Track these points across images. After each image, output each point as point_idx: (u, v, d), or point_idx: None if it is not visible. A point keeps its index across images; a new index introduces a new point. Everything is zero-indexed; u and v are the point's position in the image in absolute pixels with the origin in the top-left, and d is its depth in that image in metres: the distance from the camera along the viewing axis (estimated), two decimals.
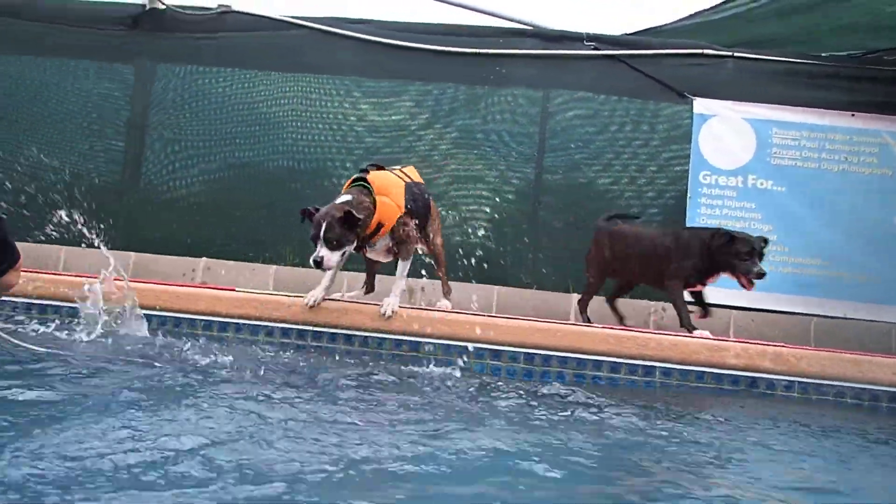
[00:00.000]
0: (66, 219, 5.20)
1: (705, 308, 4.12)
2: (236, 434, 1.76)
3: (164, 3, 5.42)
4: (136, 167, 5.41)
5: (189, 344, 3.15)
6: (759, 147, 5.03)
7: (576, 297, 4.85)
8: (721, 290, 4.71)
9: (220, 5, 5.48)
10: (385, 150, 5.19)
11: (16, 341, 2.49)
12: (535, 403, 2.58)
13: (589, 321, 4.20)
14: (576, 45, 5.27)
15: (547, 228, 5.15)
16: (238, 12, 5.46)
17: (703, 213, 4.97)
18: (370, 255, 3.48)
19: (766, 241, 3.95)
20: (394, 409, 2.28)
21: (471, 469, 1.65)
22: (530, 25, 5.41)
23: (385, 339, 3.30)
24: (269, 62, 5.40)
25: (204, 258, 5.09)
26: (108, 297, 3.14)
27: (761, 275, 3.79)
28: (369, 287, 3.94)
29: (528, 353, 3.21)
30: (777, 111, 5.06)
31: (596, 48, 5.24)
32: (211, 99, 5.41)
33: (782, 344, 3.34)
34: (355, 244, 3.22)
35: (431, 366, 3.16)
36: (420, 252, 3.79)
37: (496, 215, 5.17)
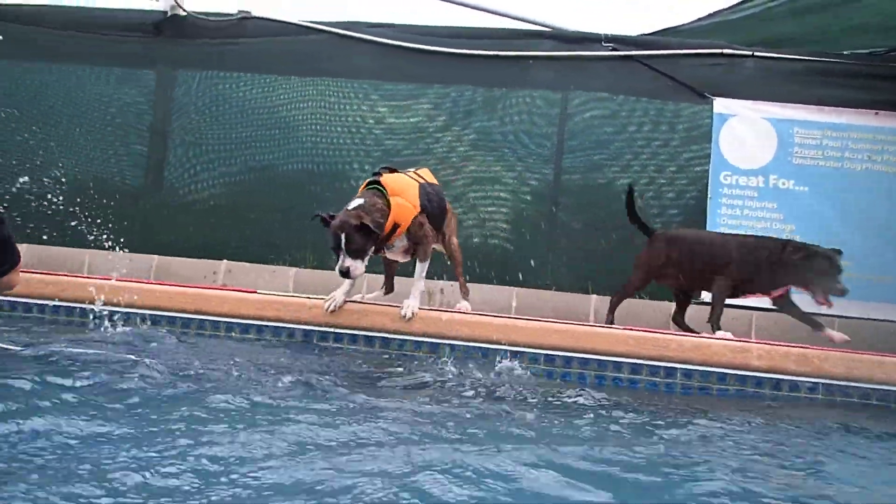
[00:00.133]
0: (90, 223, 5.31)
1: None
2: (254, 436, 1.78)
3: (184, 10, 5.49)
4: (159, 172, 5.48)
5: (210, 345, 3.20)
6: (780, 147, 4.99)
7: (595, 298, 4.85)
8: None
9: (239, 11, 5.54)
10: (404, 153, 5.21)
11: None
12: (556, 406, 2.58)
13: (612, 322, 4.16)
14: (594, 46, 5.25)
15: (566, 229, 5.14)
16: (258, 18, 5.52)
17: (724, 214, 4.93)
18: (389, 255, 3.51)
19: (840, 252, 3.79)
20: (414, 410, 2.29)
21: (491, 472, 1.66)
22: (548, 27, 5.41)
23: (406, 340, 3.32)
24: (289, 67, 5.46)
25: (225, 261, 5.15)
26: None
27: (844, 291, 3.63)
28: (388, 288, 3.96)
29: (549, 355, 3.21)
30: (798, 110, 5.01)
31: (614, 49, 5.22)
32: (232, 103, 5.48)
33: (806, 345, 3.30)
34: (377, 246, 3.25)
35: (452, 367, 3.17)
36: (437, 249, 3.79)
37: (515, 217, 5.17)
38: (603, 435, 2.20)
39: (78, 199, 5.39)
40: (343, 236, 3.08)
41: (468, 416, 2.29)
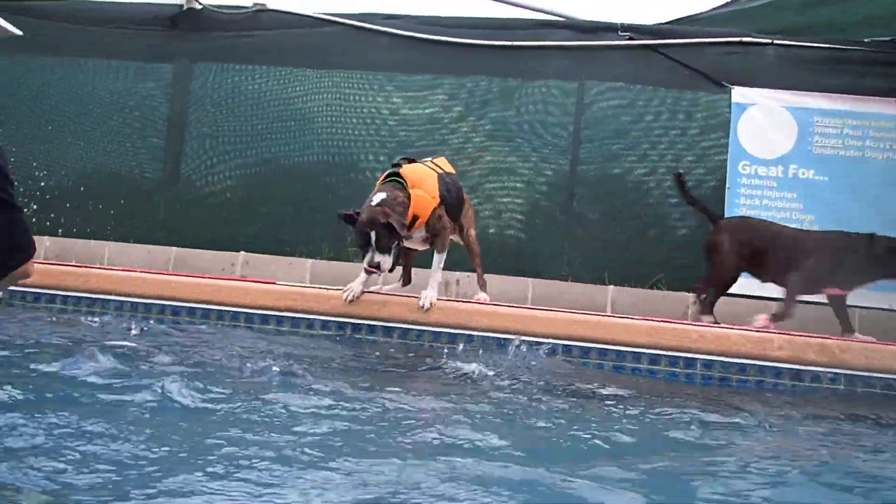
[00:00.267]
0: (110, 216, 5.37)
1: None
2: (271, 425, 1.80)
3: (200, 3, 5.52)
4: (176, 164, 5.53)
5: (231, 336, 3.23)
6: (800, 136, 4.93)
7: (612, 288, 4.83)
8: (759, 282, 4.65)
9: (255, 4, 5.55)
10: (419, 144, 5.21)
11: None
12: (574, 396, 2.59)
13: (715, 322, 3.97)
14: (610, 35, 5.21)
15: (582, 220, 5.12)
16: (273, 10, 5.53)
17: (743, 204, 4.89)
18: (407, 244, 3.52)
19: None
20: (432, 401, 2.31)
21: (509, 462, 1.66)
22: (564, 17, 5.38)
23: (424, 331, 3.33)
24: (304, 59, 5.47)
25: (242, 252, 5.19)
26: None
27: None
28: (406, 279, 3.97)
29: (567, 346, 3.21)
30: (818, 99, 4.95)
31: (631, 38, 5.18)
32: (247, 96, 5.50)
33: (827, 336, 3.28)
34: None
35: (470, 358, 3.17)
36: (455, 241, 3.80)
37: (530, 207, 5.17)
38: (619, 424, 2.20)
39: (97, 192, 5.47)
40: (373, 234, 3.09)
41: (486, 406, 2.30)
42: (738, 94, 5.01)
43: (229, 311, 3.45)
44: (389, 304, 3.42)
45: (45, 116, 5.57)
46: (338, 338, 3.37)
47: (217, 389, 2.10)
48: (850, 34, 5.07)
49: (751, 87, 5.01)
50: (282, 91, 5.51)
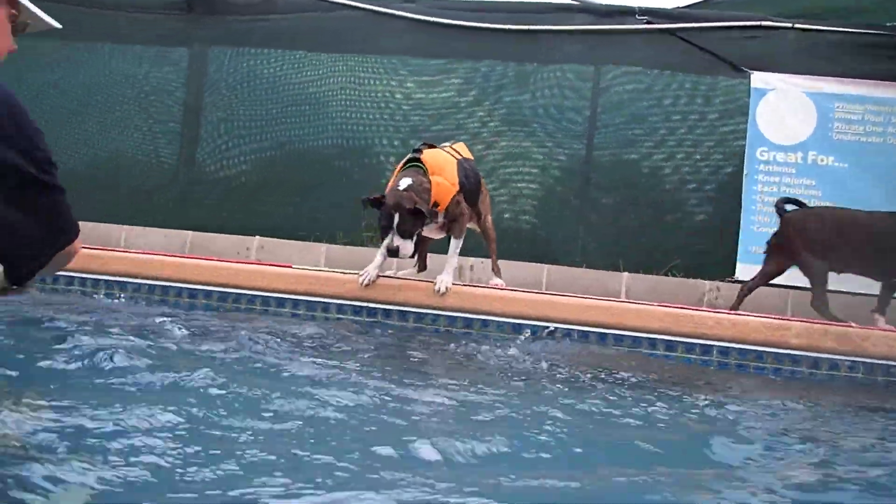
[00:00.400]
0: (126, 199, 5.41)
1: None
2: (291, 404, 1.81)
3: None
4: (192, 149, 5.54)
5: (247, 319, 3.25)
6: (819, 122, 4.86)
7: (626, 275, 4.81)
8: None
9: None
10: (434, 129, 5.19)
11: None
12: (590, 382, 2.59)
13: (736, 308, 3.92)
14: (628, 19, 5.15)
15: (597, 206, 5.10)
16: None
17: (761, 191, 4.84)
18: (424, 232, 3.52)
19: None
20: (447, 385, 2.31)
21: (524, 448, 1.66)
22: (581, 1, 5.32)
23: (439, 315, 3.34)
24: (319, 43, 5.45)
25: (257, 237, 5.21)
26: None
27: None
28: (421, 266, 3.97)
29: (583, 331, 3.20)
30: (839, 84, 4.86)
31: (649, 22, 5.11)
32: (262, 80, 5.50)
33: (847, 324, 3.25)
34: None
35: (485, 343, 3.18)
36: (471, 228, 3.80)
37: (546, 193, 5.14)
38: (633, 408, 2.20)
39: (113, 176, 5.51)
40: (397, 216, 3.10)
41: (501, 390, 2.31)
42: (758, 78, 4.93)
43: (245, 295, 3.47)
44: (404, 288, 3.42)
45: (61, 101, 5.60)
46: (353, 322, 3.39)
47: (231, 373, 2.11)
48: (872, 18, 4.98)
49: (770, 71, 4.94)
50: (296, 75, 5.50)
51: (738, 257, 4.75)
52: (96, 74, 5.63)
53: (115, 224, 5.21)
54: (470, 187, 3.50)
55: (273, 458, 1.37)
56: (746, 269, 4.72)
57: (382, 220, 3.19)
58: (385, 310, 3.41)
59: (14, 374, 1.87)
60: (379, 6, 5.36)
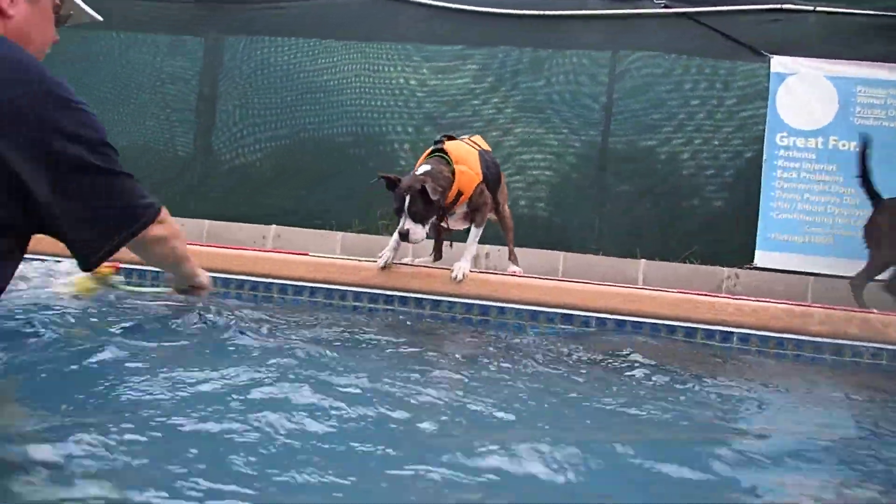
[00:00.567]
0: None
1: None
2: (304, 391, 1.80)
3: None
4: (208, 138, 5.57)
5: (266, 307, 3.26)
6: (841, 106, 4.78)
7: (643, 262, 4.78)
8: (799, 256, 4.57)
9: None
10: (449, 116, 5.18)
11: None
12: (609, 369, 2.57)
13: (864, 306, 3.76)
14: (645, 3, 5.09)
15: (614, 193, 5.06)
16: None
17: (780, 177, 4.78)
18: (450, 223, 3.51)
19: None
20: (464, 372, 2.30)
21: (544, 440, 1.66)
22: None
23: (456, 303, 3.33)
24: (333, 30, 5.44)
25: (274, 225, 5.23)
26: None
27: None
28: (437, 255, 3.96)
29: (600, 318, 3.18)
30: (862, 68, 4.78)
31: (666, 6, 5.05)
32: (277, 68, 5.50)
33: (869, 310, 3.21)
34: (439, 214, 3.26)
35: (502, 330, 3.18)
36: (489, 218, 3.79)
37: (561, 180, 5.12)
38: (651, 395, 2.19)
39: (130, 166, 5.52)
40: (408, 198, 3.08)
41: (523, 377, 2.30)
42: (778, 63, 4.86)
43: (263, 283, 3.48)
44: (421, 275, 3.42)
45: (76, 91, 5.61)
46: (370, 309, 3.39)
47: (248, 361, 2.12)
48: (894, 0, 4.88)
49: (790, 55, 4.86)
50: (311, 63, 5.50)
51: (757, 244, 4.70)
52: (112, 64, 5.65)
53: None
54: (490, 178, 3.50)
55: (289, 448, 1.38)
56: (765, 257, 4.68)
57: (395, 202, 3.17)
58: (402, 297, 3.41)
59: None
60: None
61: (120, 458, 1.18)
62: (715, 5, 5.00)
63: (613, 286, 3.34)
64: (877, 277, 3.99)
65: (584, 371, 2.49)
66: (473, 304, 3.33)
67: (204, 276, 2.36)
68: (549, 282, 3.37)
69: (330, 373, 2.04)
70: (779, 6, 4.93)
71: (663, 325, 3.11)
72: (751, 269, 4.60)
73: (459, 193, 3.30)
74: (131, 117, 5.61)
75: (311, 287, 3.47)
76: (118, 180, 1.68)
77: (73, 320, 2.16)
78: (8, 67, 1.58)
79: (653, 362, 2.70)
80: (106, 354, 1.84)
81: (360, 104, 5.39)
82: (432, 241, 3.83)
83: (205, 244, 4.32)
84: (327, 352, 2.35)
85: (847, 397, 2.51)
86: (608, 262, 4.82)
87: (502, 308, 3.30)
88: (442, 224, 3.51)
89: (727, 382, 2.49)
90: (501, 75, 5.22)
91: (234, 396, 1.62)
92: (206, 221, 5.28)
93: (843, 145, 4.77)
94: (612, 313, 3.17)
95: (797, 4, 4.89)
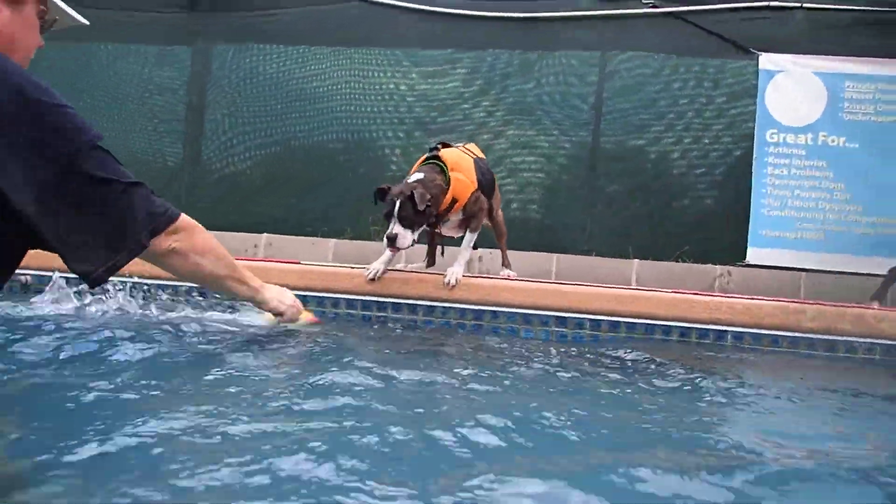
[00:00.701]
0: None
1: None
2: (301, 404, 1.79)
3: None
4: (197, 147, 5.54)
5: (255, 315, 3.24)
6: (829, 102, 4.80)
7: (636, 262, 4.78)
8: (791, 253, 4.58)
9: None
10: (440, 120, 5.17)
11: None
12: (606, 371, 2.56)
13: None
14: (633, 3, 5.10)
15: (605, 193, 5.06)
16: None
17: (770, 174, 4.79)
18: (443, 230, 3.50)
19: None
20: (459, 377, 2.29)
21: (537, 439, 1.64)
22: None
23: (449, 308, 3.31)
24: (321, 37, 5.43)
25: (265, 234, 5.21)
26: None
27: None
28: (430, 261, 3.95)
29: (595, 320, 3.17)
30: (849, 63, 4.80)
31: (654, 6, 5.06)
32: (265, 76, 5.49)
33: (862, 305, 3.21)
34: (429, 221, 3.24)
35: (496, 334, 3.16)
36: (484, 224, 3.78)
37: (553, 181, 5.11)
38: (648, 395, 2.18)
39: None
40: (398, 203, 3.05)
41: (515, 380, 2.28)
42: (766, 60, 4.88)
43: None
44: (412, 281, 3.40)
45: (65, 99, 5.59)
46: (363, 317, 3.37)
47: (236, 369, 2.10)
48: None
49: (778, 52, 4.89)
50: (299, 70, 5.48)
51: (749, 241, 4.72)
52: (99, 74, 5.62)
53: None
54: (485, 185, 3.49)
55: (286, 453, 1.36)
56: (757, 254, 4.69)
57: (385, 207, 3.14)
58: (395, 304, 3.39)
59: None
60: None
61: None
62: (702, 4, 5.01)
63: (605, 287, 3.33)
64: None
65: (580, 374, 2.47)
66: (467, 310, 3.31)
67: (273, 301, 2.28)
68: (542, 285, 3.36)
69: (322, 381, 2.02)
70: (766, 4, 4.95)
71: (658, 325, 3.10)
72: (743, 266, 4.60)
73: (454, 201, 3.28)
74: (120, 127, 5.58)
75: (303, 295, 3.45)
76: (111, 188, 1.56)
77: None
78: None
79: (648, 363, 2.69)
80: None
81: (350, 110, 5.38)
82: (426, 247, 3.82)
83: None
84: (320, 360, 2.34)
85: (841, 394, 2.51)
86: (601, 263, 4.82)
87: (496, 312, 3.28)
88: (436, 231, 3.50)
89: (724, 383, 2.48)
90: (491, 78, 5.22)
91: (219, 406, 1.60)
92: None
93: (833, 141, 4.79)
94: (606, 314, 3.16)
95: (784, 2, 4.91)
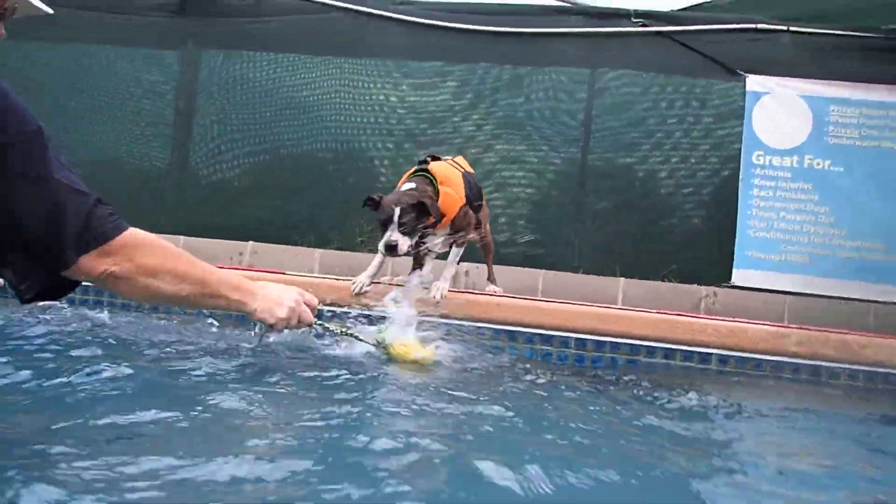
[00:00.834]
0: (117, 204, 5.33)
1: None
2: (281, 410, 1.76)
3: None
4: (184, 152, 5.49)
5: (237, 325, 3.19)
6: (815, 125, 4.85)
7: (623, 281, 4.78)
8: (776, 275, 4.60)
9: None
10: (429, 132, 5.16)
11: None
12: (590, 391, 2.55)
13: None
14: (623, 22, 5.13)
15: (593, 210, 5.07)
16: None
17: (757, 195, 4.82)
18: (428, 244, 3.46)
19: None
20: (437, 393, 2.26)
21: (513, 459, 1.62)
22: (576, 3, 5.30)
23: (435, 324, 3.28)
24: (312, 46, 5.41)
25: (250, 242, 5.16)
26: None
27: None
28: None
29: (580, 339, 3.16)
30: (835, 87, 4.86)
31: (644, 25, 5.10)
32: (255, 83, 5.45)
33: (846, 331, 3.23)
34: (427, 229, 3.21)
35: (480, 350, 3.13)
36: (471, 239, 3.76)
37: (541, 197, 5.11)
38: (629, 416, 2.16)
39: (104, 180, 5.44)
40: (398, 210, 2.99)
41: (498, 398, 2.26)
42: (753, 82, 4.92)
43: None
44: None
45: (52, 103, 5.53)
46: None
47: (219, 380, 2.06)
48: (867, 21, 4.98)
49: (766, 75, 4.93)
50: (290, 78, 5.45)
51: (735, 262, 4.74)
52: (86, 76, 5.56)
53: None
54: (473, 199, 3.47)
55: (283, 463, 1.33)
56: (743, 275, 4.71)
57: (382, 214, 3.04)
58: (381, 317, 3.35)
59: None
60: (373, 9, 5.33)
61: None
62: (691, 25, 5.06)
63: (590, 306, 3.32)
64: None
65: (563, 393, 2.45)
66: (452, 325, 3.28)
67: (259, 312, 1.88)
68: (527, 301, 3.34)
69: (302, 398, 1.99)
70: (754, 26, 5.00)
71: (642, 345, 3.10)
72: (729, 287, 4.62)
73: (441, 215, 3.26)
74: (107, 131, 5.51)
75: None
76: (40, 190, 1.36)
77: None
78: None
79: (632, 383, 2.68)
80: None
81: (340, 120, 5.36)
82: (411, 260, 3.79)
83: None
84: (300, 375, 2.30)
85: (824, 418, 2.51)
86: (588, 281, 4.81)
87: (480, 328, 3.26)
88: (422, 244, 3.47)
89: (703, 403, 2.48)
90: (481, 92, 5.22)
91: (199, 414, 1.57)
92: (182, 237, 5.18)
93: (818, 164, 4.83)
94: (590, 333, 3.14)
95: (771, 25, 4.96)
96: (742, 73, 4.95)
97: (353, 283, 3.39)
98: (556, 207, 5.10)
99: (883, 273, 4.55)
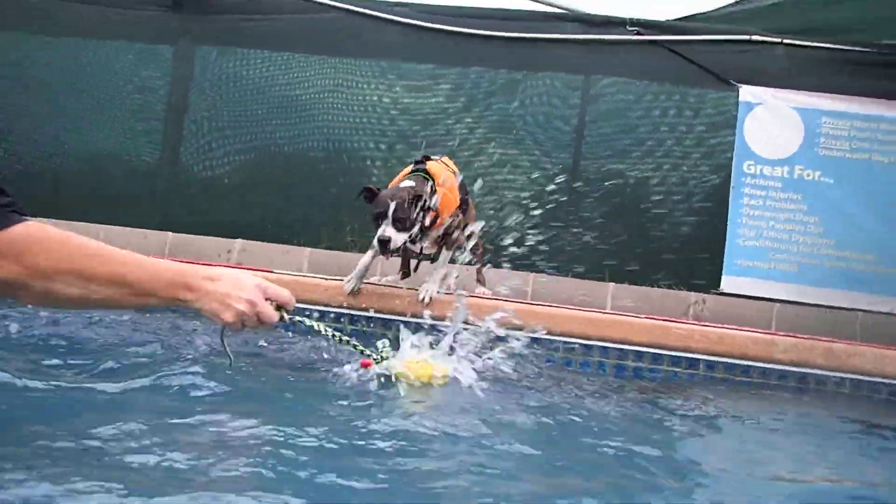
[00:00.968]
0: (106, 199, 5.29)
1: None
2: (275, 411, 1.75)
3: None
4: (175, 149, 5.45)
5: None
6: (806, 137, 4.87)
7: (612, 285, 4.78)
8: (764, 283, 4.62)
9: None
10: (422, 134, 5.16)
11: None
12: (577, 394, 2.54)
13: None
14: (618, 30, 5.15)
15: (584, 216, 5.07)
16: None
17: (747, 204, 4.84)
18: (419, 244, 3.45)
19: None
20: (425, 397, 2.25)
21: (500, 458, 1.61)
22: (572, 10, 5.32)
23: (423, 324, 3.26)
24: (307, 45, 5.39)
25: (239, 239, 5.12)
26: None
27: None
28: (405, 273, 3.91)
29: (568, 343, 3.15)
30: (827, 100, 4.89)
31: (639, 34, 5.11)
32: (248, 81, 5.43)
33: (833, 339, 3.24)
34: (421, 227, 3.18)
35: (469, 352, 3.11)
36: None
37: (532, 202, 5.11)
38: (618, 421, 2.16)
39: (93, 175, 5.39)
40: (393, 204, 2.95)
41: (484, 402, 2.25)
42: (746, 92, 4.95)
43: None
44: (386, 296, 3.36)
45: (42, 98, 5.48)
46: (333, 328, 3.30)
47: (211, 381, 2.04)
48: (860, 35, 5.02)
49: (758, 85, 4.96)
50: (283, 77, 5.43)
51: (724, 270, 4.75)
52: (78, 71, 5.51)
53: (94, 224, 5.09)
54: (462, 201, 3.47)
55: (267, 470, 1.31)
56: (732, 282, 4.72)
57: (377, 209, 3.00)
58: (367, 318, 3.34)
59: None
60: (368, 9, 5.32)
61: None
62: (686, 35, 5.08)
63: (579, 310, 3.32)
64: None
65: (546, 394, 2.44)
66: (440, 326, 3.26)
67: (207, 308, 1.46)
68: (517, 304, 3.33)
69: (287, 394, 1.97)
70: (748, 38, 5.03)
71: (630, 350, 3.09)
72: (718, 294, 4.63)
73: (436, 216, 3.24)
74: (97, 125, 5.46)
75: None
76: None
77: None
78: None
79: (618, 387, 2.67)
80: None
81: (333, 120, 5.34)
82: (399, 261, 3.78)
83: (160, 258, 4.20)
84: (289, 379, 2.28)
85: (810, 425, 2.51)
86: (577, 285, 4.81)
87: (469, 330, 3.23)
88: (412, 245, 3.45)
89: (690, 410, 2.47)
90: (474, 95, 5.22)
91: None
92: (170, 234, 5.14)
93: (809, 175, 4.86)
94: (579, 337, 3.14)
95: (765, 37, 4.99)
96: (735, 83, 4.98)
97: (346, 282, 3.37)
98: (546, 212, 5.10)
99: (870, 283, 4.57)
